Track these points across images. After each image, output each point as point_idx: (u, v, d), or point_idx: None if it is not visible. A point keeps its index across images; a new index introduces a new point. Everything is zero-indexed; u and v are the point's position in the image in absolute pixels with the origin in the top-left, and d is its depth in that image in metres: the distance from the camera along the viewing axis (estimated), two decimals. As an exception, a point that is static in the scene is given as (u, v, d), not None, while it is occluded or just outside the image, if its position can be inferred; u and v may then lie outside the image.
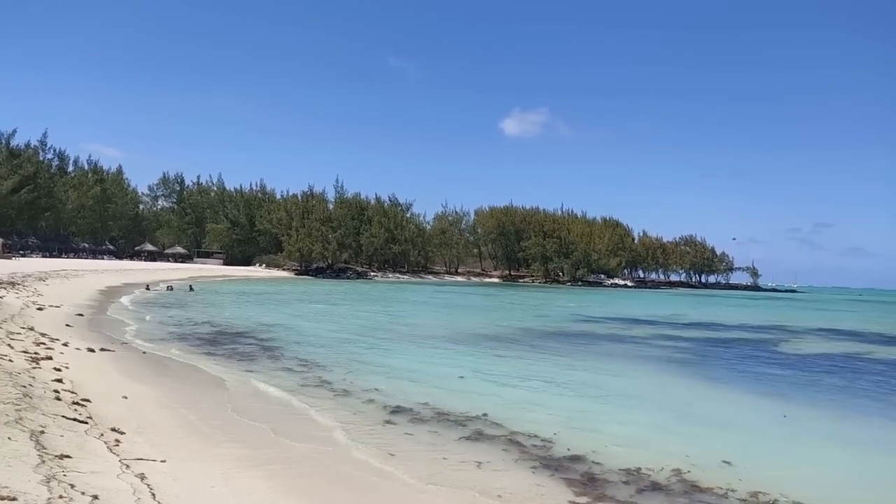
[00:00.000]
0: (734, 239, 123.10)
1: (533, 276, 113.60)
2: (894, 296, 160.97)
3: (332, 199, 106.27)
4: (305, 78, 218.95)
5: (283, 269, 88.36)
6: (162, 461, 6.07)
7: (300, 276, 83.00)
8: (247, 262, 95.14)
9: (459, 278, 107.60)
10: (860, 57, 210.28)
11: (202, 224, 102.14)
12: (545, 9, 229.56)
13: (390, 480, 6.50)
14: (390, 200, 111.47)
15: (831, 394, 13.29)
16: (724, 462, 7.64)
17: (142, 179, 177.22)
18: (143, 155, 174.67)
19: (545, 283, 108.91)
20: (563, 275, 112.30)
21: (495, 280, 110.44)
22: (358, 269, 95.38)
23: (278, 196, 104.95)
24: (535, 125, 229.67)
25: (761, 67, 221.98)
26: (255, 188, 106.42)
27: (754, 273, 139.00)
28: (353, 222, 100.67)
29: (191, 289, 41.27)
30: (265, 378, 11.91)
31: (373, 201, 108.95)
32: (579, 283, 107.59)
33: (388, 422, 9.11)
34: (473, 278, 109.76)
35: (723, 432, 9.42)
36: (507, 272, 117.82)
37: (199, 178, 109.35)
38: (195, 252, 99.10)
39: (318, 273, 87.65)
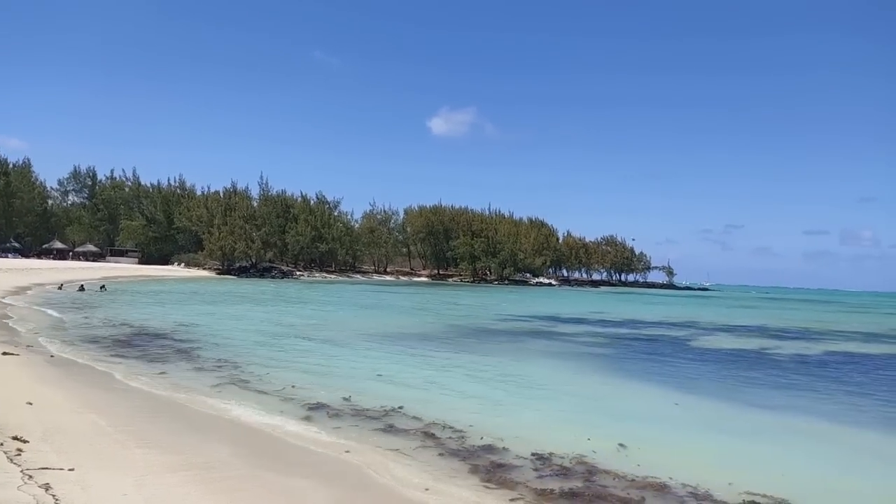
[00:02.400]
0: (633, 239, 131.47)
1: (461, 276, 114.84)
2: (797, 293, 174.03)
3: (257, 197, 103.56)
4: (224, 72, 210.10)
5: (204, 269, 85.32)
6: (70, 470, 5.87)
7: (222, 276, 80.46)
8: (164, 260, 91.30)
9: (388, 277, 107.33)
10: (766, 64, 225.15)
11: (116, 221, 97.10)
12: (470, 13, 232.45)
13: (309, 482, 6.49)
14: (317, 198, 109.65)
15: (724, 384, 14.40)
16: (620, 446, 8.31)
17: (51, 173, 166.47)
18: (51, 147, 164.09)
19: (473, 282, 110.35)
20: (491, 274, 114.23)
21: (424, 279, 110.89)
22: (283, 268, 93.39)
23: (199, 192, 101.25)
24: (462, 125, 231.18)
25: (673, 74, 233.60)
26: (173, 184, 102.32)
27: (670, 272, 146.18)
28: (279, 220, 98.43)
29: (103, 288, 39.37)
30: (181, 380, 11.70)
31: (299, 199, 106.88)
32: (506, 282, 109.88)
33: (306, 419, 9.23)
34: (402, 277, 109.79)
35: (622, 420, 10.14)
36: (435, 271, 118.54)
37: (112, 172, 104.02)
38: (108, 250, 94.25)
39: (242, 272, 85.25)
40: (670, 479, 7.08)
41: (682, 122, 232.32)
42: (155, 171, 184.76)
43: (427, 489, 6.41)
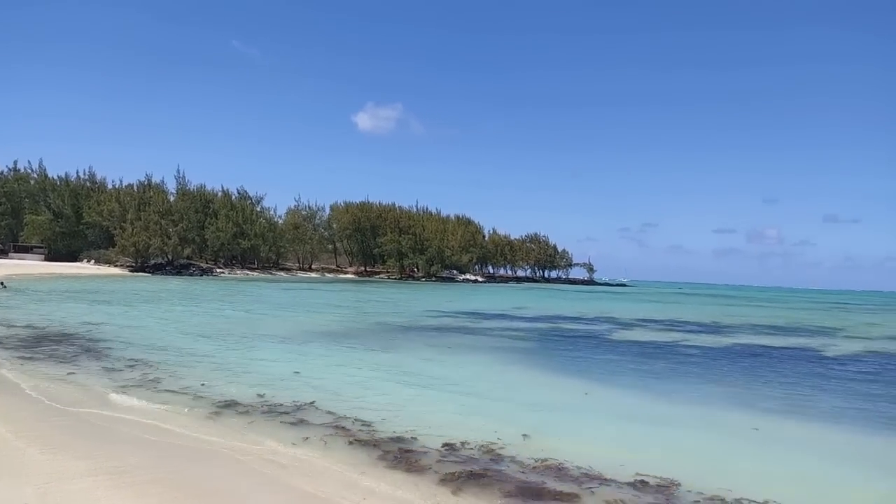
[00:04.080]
0: (545, 236, 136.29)
1: (388, 273, 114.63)
2: (707, 288, 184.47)
3: (174, 191, 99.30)
4: (135, 61, 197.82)
5: (117, 266, 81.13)
6: (-40, 482, 5.67)
7: (135, 274, 76.71)
8: (73, 257, 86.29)
9: (313, 274, 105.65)
10: (688, 61, 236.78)
11: (20, 215, 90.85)
12: (391, 8, 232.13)
13: (224, 482, 6.48)
14: (239, 193, 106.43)
15: (633, 375, 15.24)
16: (527, 434, 8.80)
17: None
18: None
19: (400, 279, 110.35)
20: (418, 271, 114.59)
21: (350, 276, 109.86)
22: (202, 265, 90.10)
23: (110, 186, 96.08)
24: (388, 120, 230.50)
25: (595, 70, 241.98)
26: (82, 177, 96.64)
27: (590, 269, 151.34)
28: (198, 216, 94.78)
29: (2, 286, 36.99)
30: (90, 380, 11.34)
31: (220, 194, 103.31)
32: (433, 279, 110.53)
33: (215, 414, 9.26)
34: (328, 274, 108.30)
35: (532, 411, 10.65)
36: (362, 268, 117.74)
37: (16, 163, 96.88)
38: (11, 246, 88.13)
39: (157, 269, 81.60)
40: (567, 462, 7.59)
41: (598, 121, 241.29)
42: (62, 166, 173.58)
43: (363, 473, 6.73)
